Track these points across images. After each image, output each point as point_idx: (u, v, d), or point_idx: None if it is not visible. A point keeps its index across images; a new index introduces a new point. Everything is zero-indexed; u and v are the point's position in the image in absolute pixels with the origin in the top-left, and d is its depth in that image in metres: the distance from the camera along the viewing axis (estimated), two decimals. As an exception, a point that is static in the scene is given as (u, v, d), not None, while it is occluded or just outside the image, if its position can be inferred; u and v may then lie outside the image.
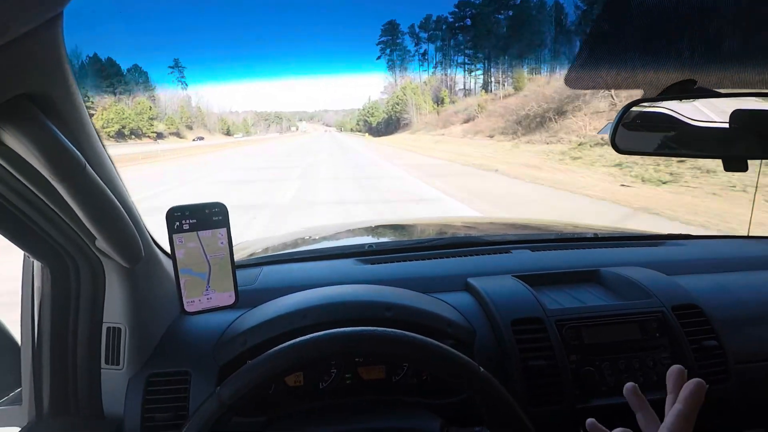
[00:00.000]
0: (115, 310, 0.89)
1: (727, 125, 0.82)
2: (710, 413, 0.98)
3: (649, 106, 0.84)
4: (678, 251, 1.42)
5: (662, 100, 0.81)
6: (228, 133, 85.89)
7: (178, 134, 67.19)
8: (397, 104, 66.25)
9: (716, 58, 0.81)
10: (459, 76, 64.10)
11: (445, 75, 66.67)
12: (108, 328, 0.90)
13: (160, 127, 63.21)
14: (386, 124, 70.91)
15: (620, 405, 0.96)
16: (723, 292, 1.17)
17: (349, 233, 2.01)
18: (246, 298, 0.99)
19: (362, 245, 1.43)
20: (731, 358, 1.00)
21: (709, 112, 0.83)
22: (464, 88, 62.04)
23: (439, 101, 57.41)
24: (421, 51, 74.82)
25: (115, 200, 0.71)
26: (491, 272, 1.20)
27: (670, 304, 1.05)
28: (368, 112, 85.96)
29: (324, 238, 1.91)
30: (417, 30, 73.72)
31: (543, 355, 0.96)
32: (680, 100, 0.81)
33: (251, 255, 1.47)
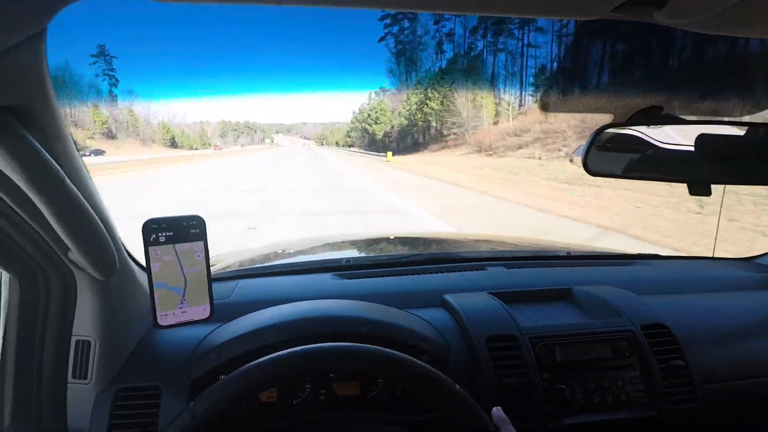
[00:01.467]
0: (85, 323, 0.86)
1: (692, 149, 0.87)
2: None
3: (620, 131, 0.88)
4: (647, 271, 1.45)
5: (631, 125, 0.84)
6: (173, 146, 64.02)
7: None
8: (423, 107, 41.89)
9: (683, 87, 0.85)
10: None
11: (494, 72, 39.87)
12: (77, 341, 0.86)
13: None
14: (404, 137, 47.04)
15: (591, 423, 0.97)
16: (690, 312, 1.20)
17: (326, 247, 1.99)
18: (221, 312, 0.97)
19: (339, 260, 1.43)
20: (697, 378, 1.02)
21: (676, 136, 0.87)
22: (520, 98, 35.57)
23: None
24: (445, 30, 47.17)
25: (92, 212, 0.70)
26: (467, 289, 1.21)
27: (640, 324, 1.07)
28: (369, 116, 56.33)
29: (301, 252, 1.90)
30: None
31: (516, 373, 0.97)
32: (647, 125, 0.85)
33: (227, 267, 1.45)
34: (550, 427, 0.95)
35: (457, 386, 0.71)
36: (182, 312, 0.80)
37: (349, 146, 74.14)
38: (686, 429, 1.02)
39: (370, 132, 54.26)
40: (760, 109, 0.91)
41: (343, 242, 2.12)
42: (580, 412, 0.97)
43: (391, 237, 2.44)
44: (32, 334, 0.83)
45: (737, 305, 1.27)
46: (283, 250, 1.94)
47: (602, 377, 1.00)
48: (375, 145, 53.20)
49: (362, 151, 55.45)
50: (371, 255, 1.87)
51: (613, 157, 0.92)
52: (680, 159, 0.88)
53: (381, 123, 53.22)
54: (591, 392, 0.99)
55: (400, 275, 1.31)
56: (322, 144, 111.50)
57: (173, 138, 67.00)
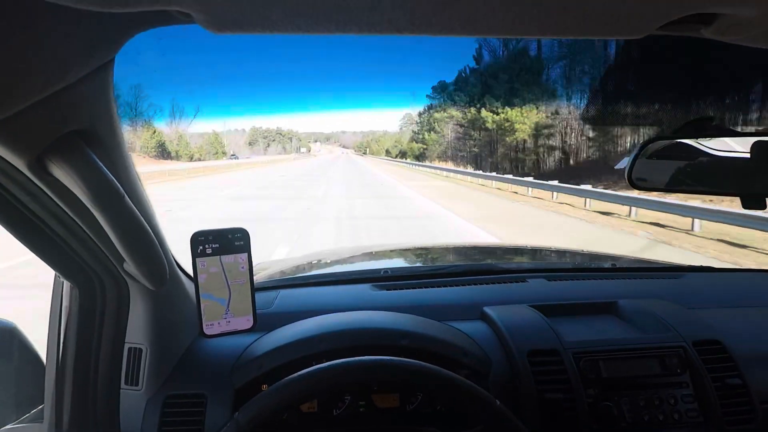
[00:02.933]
0: (137, 331, 0.91)
1: (747, 156, 0.82)
2: None
3: (666, 143, 0.85)
4: (699, 284, 1.39)
5: (679, 138, 0.81)
6: (163, 156, 49.25)
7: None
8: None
9: (734, 99, 0.81)
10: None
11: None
12: (129, 349, 0.92)
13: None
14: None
15: None
16: (746, 327, 1.14)
17: (365, 257, 2.01)
18: (263, 322, 1.00)
19: (378, 270, 1.44)
20: (756, 396, 0.97)
21: (728, 147, 0.83)
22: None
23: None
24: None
25: (147, 227, 0.74)
26: (507, 301, 1.19)
27: (692, 339, 1.02)
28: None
29: (340, 262, 1.93)
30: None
31: (559, 388, 0.95)
32: (696, 137, 0.81)
33: (269, 276, 1.49)
34: None
35: (498, 402, 0.70)
36: (227, 322, 0.83)
37: (416, 157, 53.54)
38: None
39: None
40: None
41: (381, 252, 2.14)
42: (628, 431, 0.94)
43: (429, 247, 2.44)
44: (89, 341, 0.89)
45: None
46: (322, 260, 1.98)
47: (652, 395, 0.97)
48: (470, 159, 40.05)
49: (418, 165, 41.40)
50: (409, 266, 1.87)
51: (659, 170, 0.89)
52: (732, 171, 0.84)
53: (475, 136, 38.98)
54: (640, 410, 0.95)
55: (438, 287, 1.31)
56: (365, 153, 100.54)
57: (161, 145, 51.11)
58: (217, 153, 67.36)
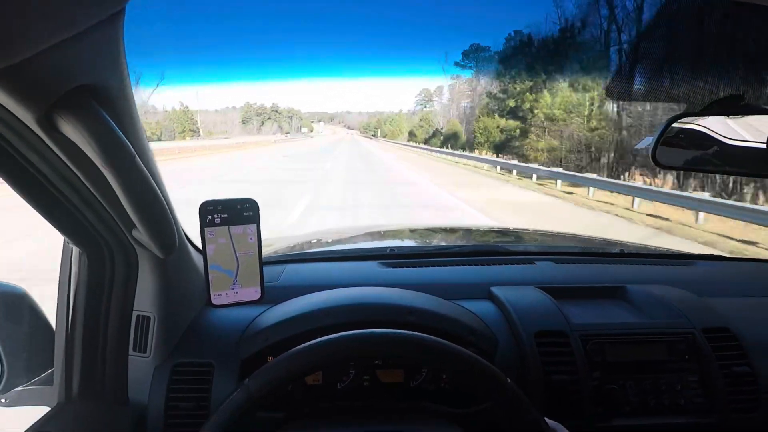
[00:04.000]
0: (145, 299, 0.91)
1: None
2: None
3: (692, 121, 0.82)
4: (709, 272, 1.38)
5: (706, 115, 0.78)
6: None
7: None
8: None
9: (764, 76, 0.78)
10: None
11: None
12: (138, 316, 0.92)
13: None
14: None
15: (644, 426, 0.93)
16: (756, 316, 1.13)
17: (372, 236, 2.01)
18: (269, 295, 1.00)
19: (385, 248, 1.44)
20: (763, 385, 0.97)
21: (755, 128, 0.80)
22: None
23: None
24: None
25: (158, 191, 0.73)
26: (515, 282, 1.18)
27: (701, 326, 1.02)
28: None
29: (347, 240, 1.93)
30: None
31: (566, 370, 0.95)
32: (724, 115, 0.78)
33: (276, 252, 1.49)
34: (600, 427, 0.92)
35: (509, 380, 0.69)
36: (234, 293, 0.83)
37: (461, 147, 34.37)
38: None
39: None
40: None
41: (388, 231, 2.13)
42: (632, 414, 0.94)
43: (436, 227, 2.42)
44: (98, 308, 0.89)
45: None
46: (330, 238, 1.98)
47: (658, 380, 0.97)
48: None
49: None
50: (417, 245, 1.87)
51: (684, 149, 0.86)
52: (759, 152, 0.81)
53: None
54: (645, 394, 0.95)
55: (446, 266, 1.30)
56: (374, 135, 77.65)
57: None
58: (184, 131, 52.04)
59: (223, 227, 0.79)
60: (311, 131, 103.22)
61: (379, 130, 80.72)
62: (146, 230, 0.75)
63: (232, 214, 0.80)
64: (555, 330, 1.00)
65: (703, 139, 0.84)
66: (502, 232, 2.28)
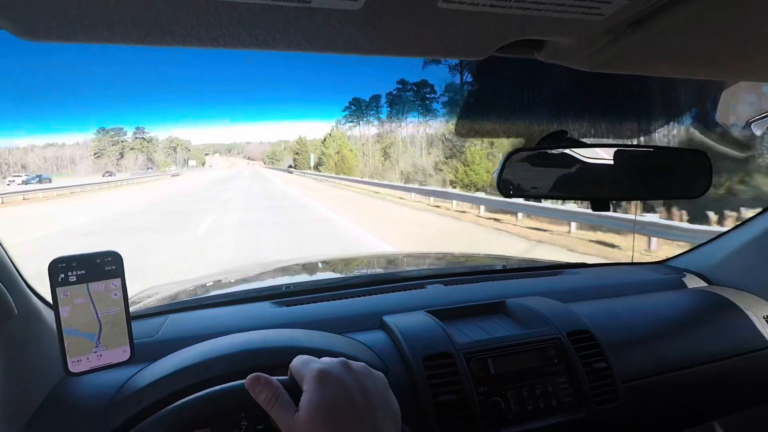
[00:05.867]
0: None
1: (594, 170, 0.95)
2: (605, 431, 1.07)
3: (529, 154, 0.96)
4: (573, 279, 1.54)
5: (539, 149, 0.92)
6: None
7: None
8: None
9: (584, 112, 0.93)
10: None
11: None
12: None
13: None
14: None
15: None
16: (610, 316, 1.27)
17: (265, 274, 1.94)
18: (145, 352, 0.92)
19: (278, 286, 1.40)
20: (618, 378, 1.08)
21: (578, 160, 0.96)
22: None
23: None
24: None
25: None
26: (406, 308, 1.22)
27: (566, 331, 1.12)
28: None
29: (238, 281, 1.84)
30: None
31: (453, 389, 0.98)
32: (553, 148, 0.93)
33: (159, 301, 1.37)
34: None
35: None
36: (98, 356, 0.75)
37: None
38: (615, 427, 1.07)
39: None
40: (651, 132, 1.03)
41: (282, 268, 2.08)
42: (515, 423, 0.99)
43: (331, 259, 2.43)
44: None
45: (651, 305, 1.37)
46: (220, 280, 1.87)
47: (534, 386, 1.04)
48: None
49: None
50: (311, 279, 1.85)
51: (524, 179, 0.99)
52: (583, 179, 0.97)
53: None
54: (524, 401, 1.01)
55: (340, 299, 1.30)
56: (292, 168, 58.16)
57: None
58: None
59: (80, 285, 0.72)
60: (204, 165, 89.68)
61: (295, 164, 61.41)
62: None
63: (91, 269, 0.73)
64: (441, 352, 1.03)
65: (539, 169, 0.98)
66: (396, 259, 2.35)
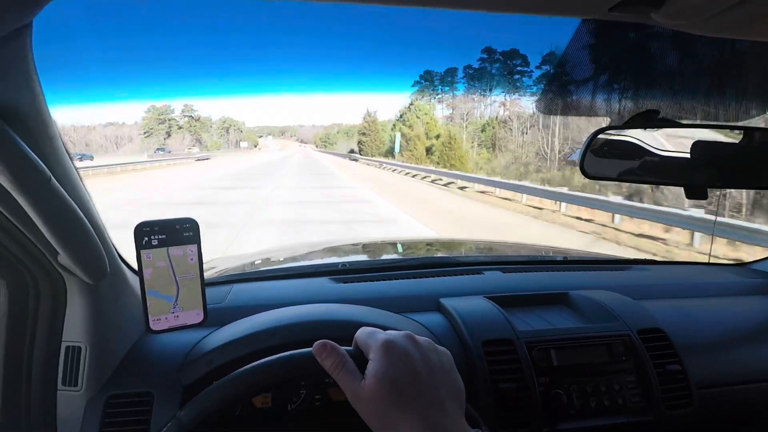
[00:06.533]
0: (75, 329, 0.85)
1: (688, 154, 0.87)
2: None
3: (616, 134, 0.88)
4: (643, 276, 1.46)
5: (627, 128, 0.85)
6: None
7: None
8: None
9: (679, 91, 0.85)
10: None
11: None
12: (67, 347, 0.85)
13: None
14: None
15: (587, 428, 0.97)
16: (685, 317, 1.20)
17: (322, 252, 1.99)
18: (214, 317, 0.96)
19: (335, 264, 1.42)
20: (693, 382, 1.02)
21: (672, 141, 0.87)
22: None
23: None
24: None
25: (81, 214, 0.68)
26: (463, 293, 1.20)
27: (636, 328, 1.06)
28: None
29: (297, 257, 1.89)
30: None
31: (513, 378, 0.96)
32: (644, 128, 0.85)
33: (222, 272, 1.43)
34: None
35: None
36: (175, 317, 0.79)
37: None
38: None
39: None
40: (757, 114, 0.91)
41: (339, 247, 2.11)
42: (576, 418, 0.96)
43: (387, 242, 2.44)
44: (21, 340, 0.82)
45: (733, 311, 1.28)
46: (280, 255, 1.93)
47: (599, 382, 1.00)
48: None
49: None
50: (367, 259, 1.86)
51: (610, 160, 0.92)
52: (677, 163, 0.89)
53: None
54: (587, 397, 0.98)
55: (396, 279, 1.30)
56: (356, 154, 48.75)
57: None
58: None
59: (161, 249, 0.76)
60: (256, 146, 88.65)
61: (362, 148, 53.16)
62: (70, 256, 0.70)
63: (171, 234, 0.76)
64: (501, 338, 1.01)
65: (626, 150, 0.90)
66: (452, 244, 2.32)
